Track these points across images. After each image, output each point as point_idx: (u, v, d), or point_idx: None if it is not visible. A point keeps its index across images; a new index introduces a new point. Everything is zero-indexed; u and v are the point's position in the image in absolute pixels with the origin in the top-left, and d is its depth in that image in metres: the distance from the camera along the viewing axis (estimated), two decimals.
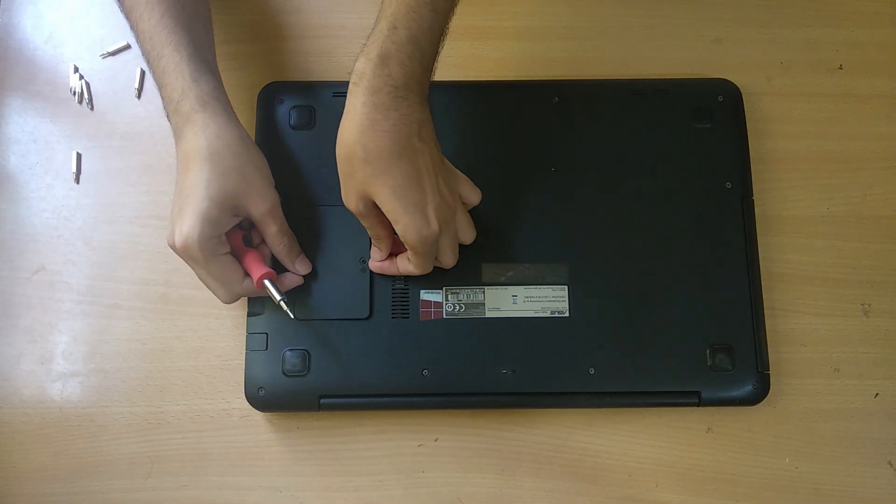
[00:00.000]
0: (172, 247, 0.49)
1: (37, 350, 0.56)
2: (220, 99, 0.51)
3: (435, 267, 0.53)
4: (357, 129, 0.45)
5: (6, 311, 0.57)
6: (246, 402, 0.54)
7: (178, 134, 0.50)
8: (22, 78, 0.62)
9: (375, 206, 0.48)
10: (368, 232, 0.52)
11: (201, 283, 0.51)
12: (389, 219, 0.48)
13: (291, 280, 0.54)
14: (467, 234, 0.53)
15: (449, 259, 0.52)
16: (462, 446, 0.54)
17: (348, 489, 0.54)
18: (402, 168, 0.46)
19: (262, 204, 0.51)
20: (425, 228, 0.47)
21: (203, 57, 0.52)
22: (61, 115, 0.61)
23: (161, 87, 0.51)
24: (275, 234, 0.52)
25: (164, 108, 0.52)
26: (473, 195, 0.52)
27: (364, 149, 0.45)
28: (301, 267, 0.55)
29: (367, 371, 0.53)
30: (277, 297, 0.51)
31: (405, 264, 0.52)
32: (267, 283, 0.51)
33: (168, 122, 0.51)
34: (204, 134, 0.49)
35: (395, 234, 0.49)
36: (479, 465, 0.54)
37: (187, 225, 0.48)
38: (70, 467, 0.54)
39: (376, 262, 0.54)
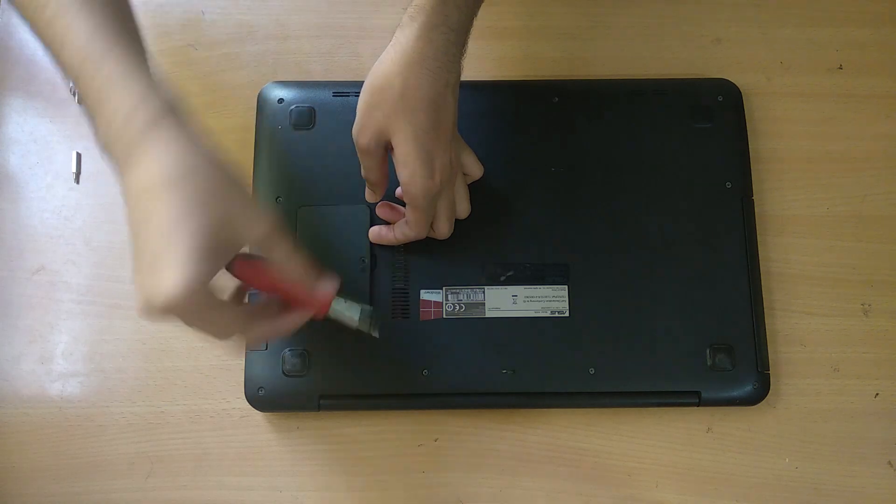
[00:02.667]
0: (150, 310, 0.38)
1: (37, 350, 0.56)
2: (179, 110, 0.41)
3: (435, 266, 0.53)
4: (403, 61, 0.45)
5: (6, 311, 0.57)
6: (246, 402, 0.54)
7: (125, 163, 0.39)
8: (22, 78, 0.62)
9: (385, 149, 0.48)
10: (364, 172, 0.50)
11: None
12: (398, 161, 0.47)
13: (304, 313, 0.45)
14: (464, 206, 0.53)
15: (444, 226, 0.52)
16: (462, 446, 0.54)
17: (348, 489, 0.54)
18: (430, 114, 0.46)
19: (261, 225, 0.41)
20: (429, 180, 0.47)
21: (150, 68, 0.42)
22: (61, 115, 0.61)
23: (96, 108, 0.39)
24: (287, 253, 0.43)
25: (98, 136, 0.40)
26: (477, 168, 0.53)
27: (404, 83, 0.45)
28: (329, 284, 0.45)
29: (367, 371, 0.53)
30: (356, 317, 0.44)
31: (402, 228, 0.52)
32: (336, 306, 0.44)
33: (103, 156, 0.41)
34: (167, 155, 0.38)
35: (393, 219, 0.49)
36: (479, 465, 0.54)
37: (172, 275, 0.37)
38: (70, 467, 0.54)
39: (374, 232, 0.54)
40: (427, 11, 0.46)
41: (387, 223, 0.55)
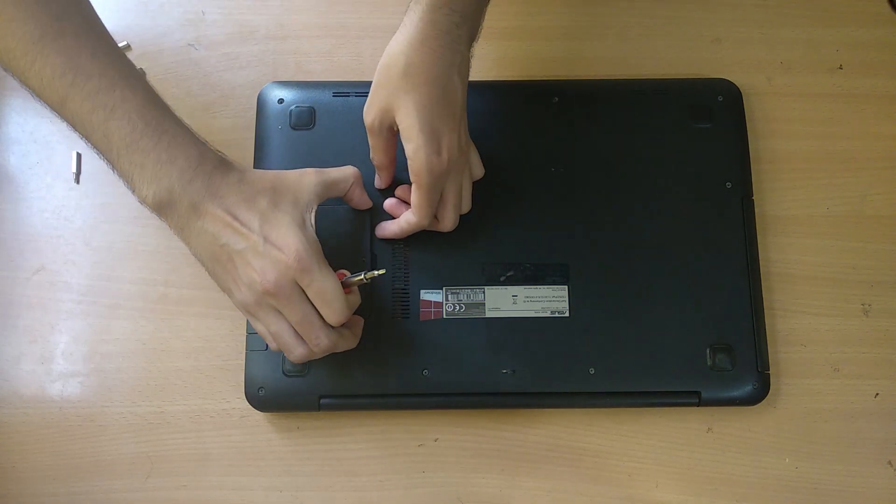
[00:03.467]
0: (271, 286, 0.44)
1: (37, 350, 0.56)
2: (227, 159, 0.47)
3: (435, 266, 0.53)
4: (406, 41, 0.47)
5: (6, 311, 0.57)
6: (246, 402, 0.54)
7: (199, 204, 0.45)
8: None
9: (389, 128, 0.50)
10: (371, 154, 0.53)
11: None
12: (403, 138, 0.48)
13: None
14: (468, 201, 0.54)
15: (449, 215, 0.52)
16: (462, 446, 0.55)
17: (348, 489, 0.54)
18: (434, 92, 0.47)
19: (345, 177, 0.50)
20: (435, 156, 0.48)
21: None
22: None
23: (160, 167, 0.44)
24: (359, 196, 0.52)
25: (159, 192, 0.44)
26: (478, 168, 0.54)
27: (408, 61, 0.47)
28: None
29: (367, 371, 0.53)
30: (363, 275, 0.48)
31: (406, 216, 0.52)
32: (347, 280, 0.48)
33: (162, 211, 0.45)
34: (245, 174, 0.46)
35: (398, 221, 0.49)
36: (479, 465, 0.54)
37: (289, 235, 0.44)
38: (70, 467, 0.54)
39: (379, 227, 0.55)
40: None
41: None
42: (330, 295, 0.45)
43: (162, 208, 0.45)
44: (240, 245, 0.44)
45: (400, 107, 0.47)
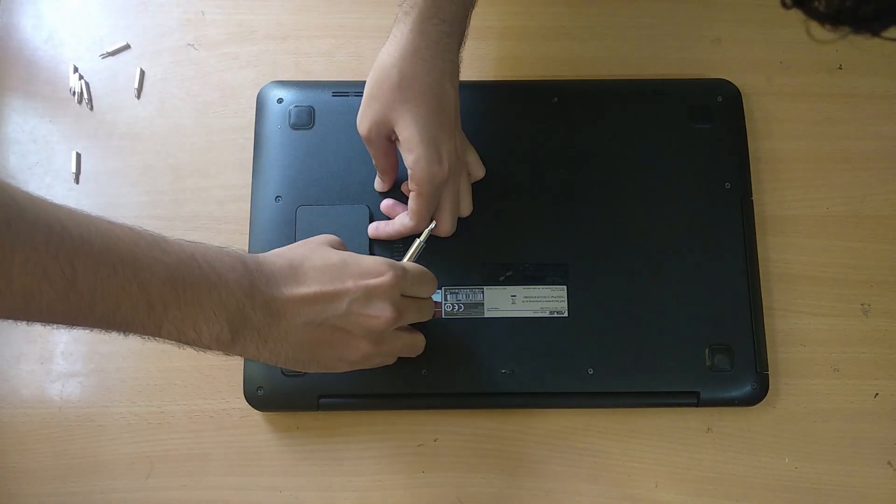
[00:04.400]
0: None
1: (37, 350, 0.56)
2: (255, 257, 0.44)
3: (434, 266, 0.53)
4: (398, 53, 0.48)
5: None
6: (245, 402, 0.54)
7: (272, 299, 0.42)
8: (22, 78, 0.62)
9: (386, 137, 0.50)
10: (375, 162, 0.53)
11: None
12: (403, 149, 0.49)
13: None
14: (467, 204, 0.54)
15: (447, 221, 0.53)
16: (462, 446, 0.54)
17: (348, 489, 0.54)
18: (430, 102, 0.48)
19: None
20: (436, 164, 0.48)
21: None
22: (61, 115, 0.61)
23: (221, 284, 0.40)
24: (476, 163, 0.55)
25: (238, 313, 0.40)
26: (479, 168, 0.54)
27: (400, 73, 0.47)
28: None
29: (367, 371, 0.53)
30: (421, 240, 0.51)
31: (402, 219, 0.52)
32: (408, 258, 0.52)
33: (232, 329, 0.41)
34: (265, 256, 0.44)
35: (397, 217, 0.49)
36: (479, 465, 0.54)
37: (362, 260, 0.45)
38: (70, 467, 0.54)
39: (372, 227, 0.55)
40: (420, 6, 0.48)
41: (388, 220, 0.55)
42: (421, 274, 0.47)
43: (238, 332, 0.40)
44: (341, 307, 0.43)
45: (398, 118, 0.48)
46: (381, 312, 0.44)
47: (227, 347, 0.41)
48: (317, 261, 0.44)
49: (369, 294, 0.43)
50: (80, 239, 0.35)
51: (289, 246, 0.47)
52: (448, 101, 0.49)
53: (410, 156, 0.48)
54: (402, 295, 0.46)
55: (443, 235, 0.53)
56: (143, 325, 0.38)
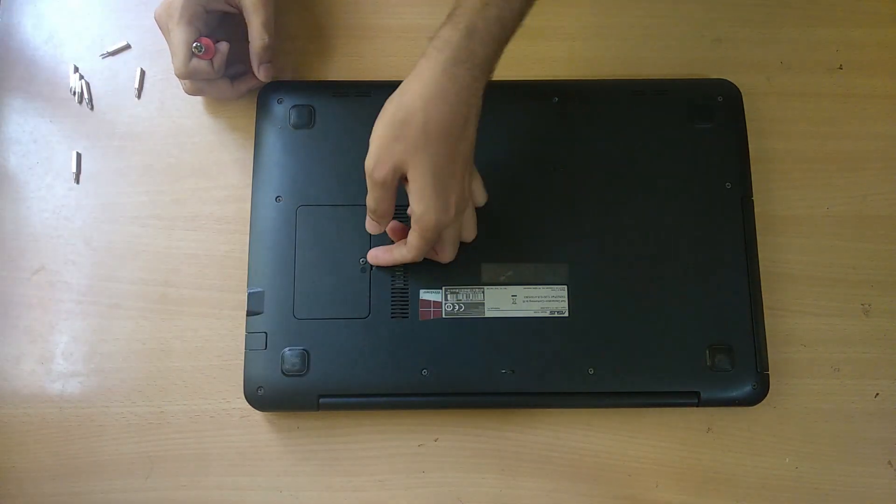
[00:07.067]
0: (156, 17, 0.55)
1: (37, 350, 0.56)
2: None
3: (435, 266, 0.53)
4: (427, 96, 0.45)
5: (6, 311, 0.57)
6: (246, 402, 0.54)
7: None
8: (22, 78, 0.62)
9: (398, 181, 0.47)
10: (373, 204, 0.49)
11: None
12: (413, 194, 0.47)
13: (248, 82, 0.59)
14: (471, 231, 0.53)
15: (448, 253, 0.52)
16: (462, 446, 0.55)
17: (348, 489, 0.54)
18: (447, 149, 0.46)
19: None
20: (444, 214, 0.47)
21: None
22: (61, 115, 0.61)
23: None
24: (259, 26, 0.56)
25: None
26: (481, 196, 0.52)
27: (426, 117, 0.45)
28: (263, 73, 0.58)
29: (367, 371, 0.53)
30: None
31: (401, 251, 0.51)
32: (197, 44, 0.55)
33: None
34: None
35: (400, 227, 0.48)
36: (479, 465, 0.54)
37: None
38: (70, 467, 0.54)
39: (371, 254, 0.54)
40: (453, 46, 0.45)
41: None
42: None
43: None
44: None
45: (416, 165, 0.46)
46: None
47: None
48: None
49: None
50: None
51: None
52: (467, 144, 0.47)
53: (421, 204, 0.47)
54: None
55: (444, 262, 0.53)
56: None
